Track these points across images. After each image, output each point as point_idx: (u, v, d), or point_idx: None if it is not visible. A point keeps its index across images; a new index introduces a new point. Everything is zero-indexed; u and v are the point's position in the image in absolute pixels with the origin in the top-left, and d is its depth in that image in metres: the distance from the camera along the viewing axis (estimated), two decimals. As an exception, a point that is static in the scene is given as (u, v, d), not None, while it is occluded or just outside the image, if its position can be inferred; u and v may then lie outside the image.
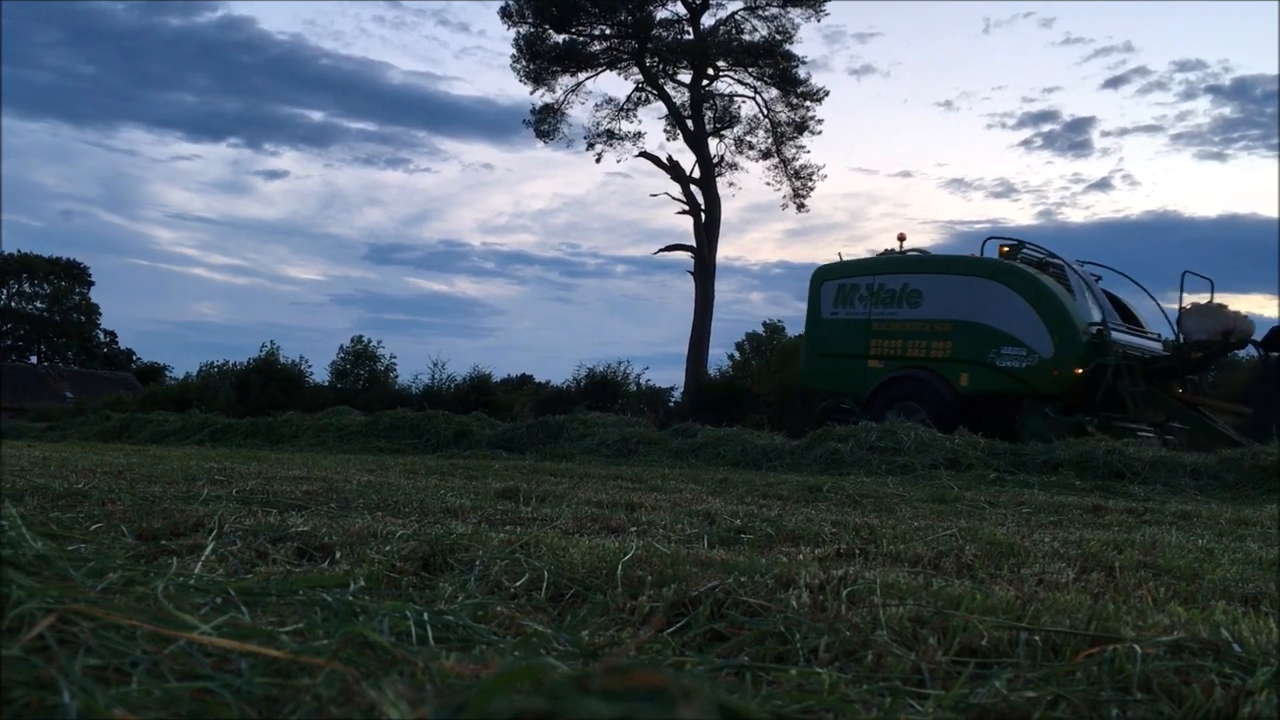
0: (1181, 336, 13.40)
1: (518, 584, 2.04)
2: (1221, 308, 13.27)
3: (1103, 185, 57.68)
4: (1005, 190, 61.71)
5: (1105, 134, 65.06)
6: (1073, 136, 61.21)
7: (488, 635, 1.49)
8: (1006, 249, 14.50)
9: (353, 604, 1.48)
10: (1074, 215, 57.19)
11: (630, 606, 1.88)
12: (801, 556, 2.68)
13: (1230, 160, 55.62)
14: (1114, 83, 64.34)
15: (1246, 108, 58.75)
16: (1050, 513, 5.08)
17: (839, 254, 16.47)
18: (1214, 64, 63.37)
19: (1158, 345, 14.40)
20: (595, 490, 5.36)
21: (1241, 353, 14.73)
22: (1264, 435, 9.57)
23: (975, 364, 13.63)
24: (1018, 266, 13.88)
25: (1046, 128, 70.21)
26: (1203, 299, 13.49)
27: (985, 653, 1.61)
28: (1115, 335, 13.39)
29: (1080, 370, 12.94)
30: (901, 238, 15.78)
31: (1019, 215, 63.85)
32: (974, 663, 1.54)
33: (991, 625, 1.72)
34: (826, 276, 15.53)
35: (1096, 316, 13.66)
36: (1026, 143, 67.05)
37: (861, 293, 14.94)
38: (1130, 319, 14.59)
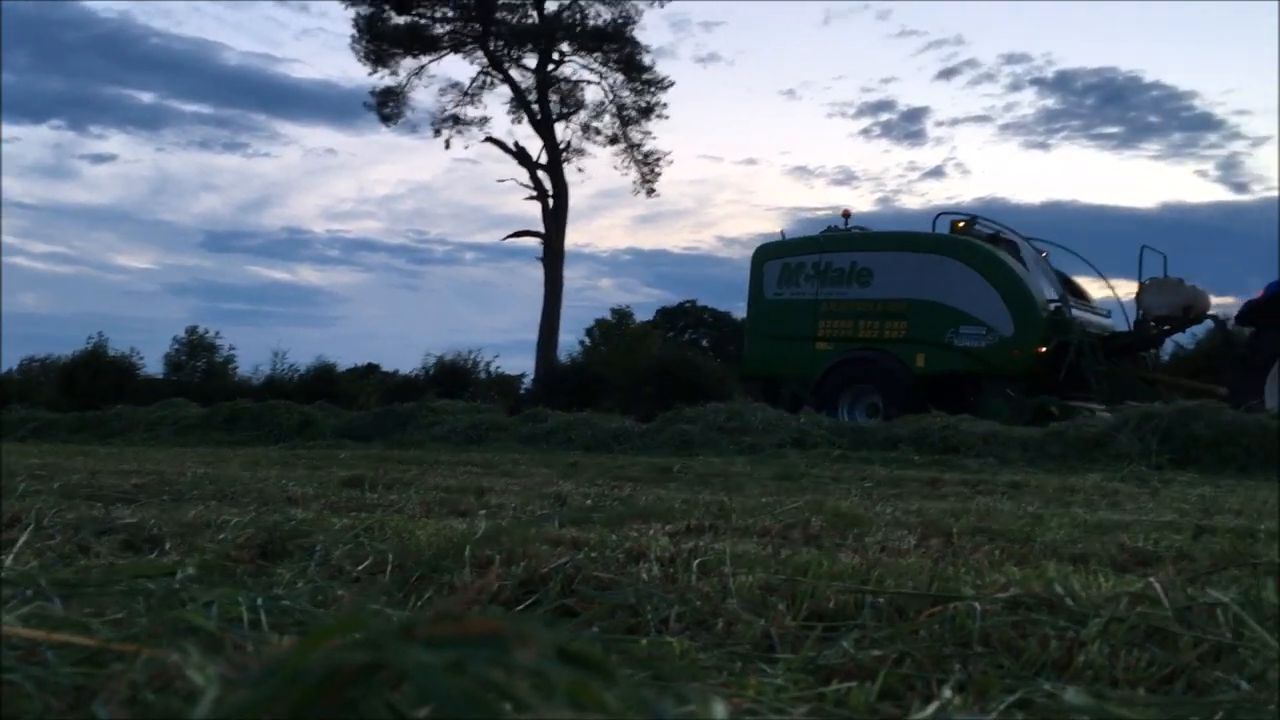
0: (1141, 312, 13.08)
1: (361, 568, 1.97)
2: (1180, 282, 12.95)
3: (937, 173, 59.90)
4: (846, 177, 63.46)
5: (939, 124, 67.54)
6: (908, 126, 63.43)
7: (326, 618, 1.43)
8: (961, 224, 13.97)
9: (179, 592, 1.39)
10: (910, 202, 59.21)
11: (478, 586, 1.83)
12: (652, 532, 2.68)
13: (1053, 149, 58.50)
14: (946, 74, 66.87)
15: (1068, 99, 61.87)
16: (891, 486, 5.23)
17: (781, 231, 15.74)
18: (1038, 57, 66.44)
19: (1109, 322, 14.08)
20: (444, 476, 5.27)
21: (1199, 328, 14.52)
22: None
23: (932, 344, 13.16)
24: (975, 242, 13.42)
25: (884, 117, 72.52)
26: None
27: (833, 616, 1.62)
28: (1075, 312, 13.03)
29: (1043, 349, 12.60)
30: (846, 214, 15.00)
31: (859, 202, 65.82)
32: (822, 626, 1.55)
33: (838, 590, 1.74)
34: (769, 255, 14.81)
35: (1052, 294, 13.29)
36: (865, 131, 69.08)
37: (808, 271, 14.26)
38: (1080, 295, 14.17)
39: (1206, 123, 57.13)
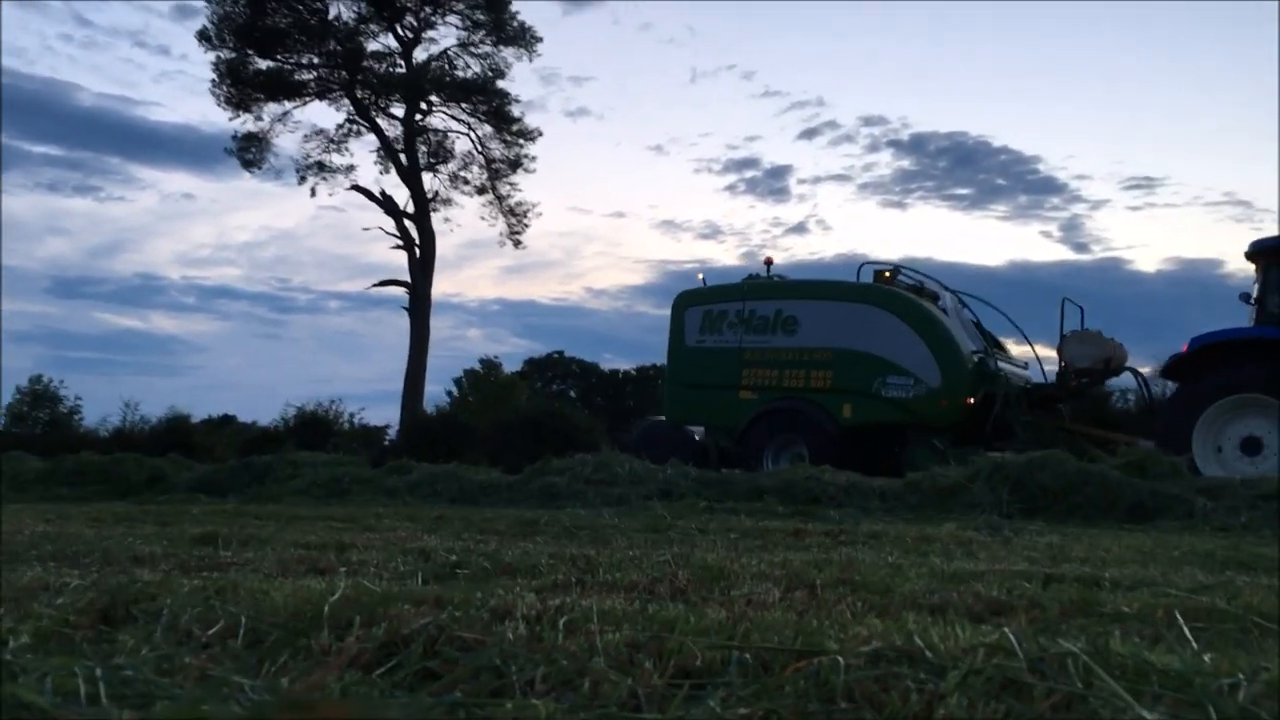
0: (1063, 364, 13.10)
1: (211, 632, 1.88)
2: (1099, 334, 13.12)
3: (800, 229, 61.44)
4: (712, 232, 64.61)
5: (801, 181, 69.40)
6: (773, 183, 64.93)
7: (171, 689, 1.35)
8: (886, 274, 13.80)
9: (11, 663, 1.31)
10: (775, 257, 60.53)
11: (337, 649, 1.77)
12: (518, 589, 2.64)
13: (909, 208, 60.71)
14: (808, 134, 68.77)
15: (922, 161, 64.35)
16: (756, 537, 5.28)
17: (701, 278, 15.40)
18: (895, 120, 69.04)
19: (1027, 373, 14.11)
20: (304, 532, 5.11)
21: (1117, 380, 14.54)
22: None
23: (859, 394, 13.04)
24: (900, 292, 13.31)
25: (749, 174, 74.15)
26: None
27: (700, 673, 1.62)
28: (999, 364, 13.07)
29: (971, 400, 12.59)
30: (769, 262, 14.84)
31: (725, 256, 66.98)
32: (689, 684, 1.55)
33: (705, 645, 1.73)
34: (691, 302, 14.56)
35: (975, 345, 13.29)
36: (731, 187, 70.55)
37: (730, 319, 14.05)
38: (999, 347, 14.22)
39: (1050, 186, 60.09)
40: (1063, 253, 60.28)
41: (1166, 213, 57.32)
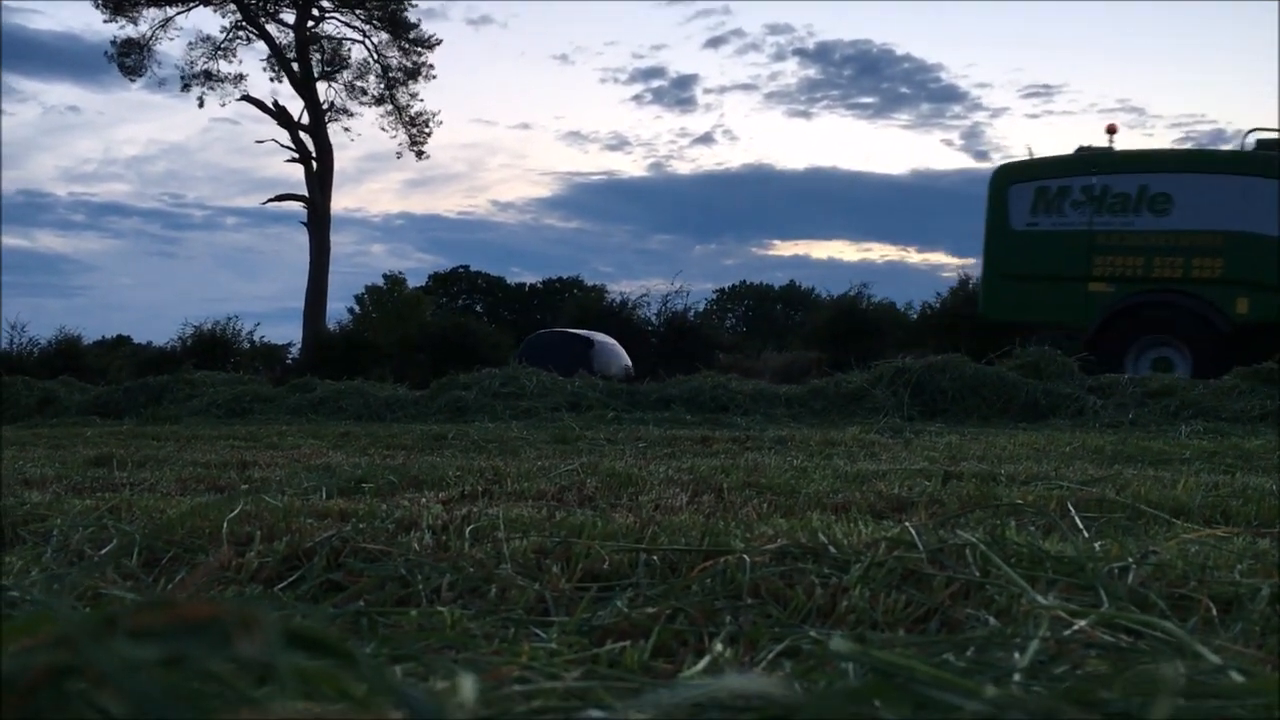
0: None
1: (104, 551, 1.83)
2: None
3: (706, 139, 61.27)
4: (619, 143, 64.20)
5: (708, 91, 68.93)
6: (679, 93, 64.59)
7: (61, 611, 1.31)
8: None
9: (-115, 589, 1.25)
10: (682, 167, 60.40)
11: (237, 565, 1.73)
12: (425, 501, 2.61)
13: (815, 118, 60.81)
14: (714, 43, 68.43)
15: (828, 70, 64.42)
16: (664, 445, 5.32)
17: (1029, 149, 13.11)
18: (800, 28, 68.81)
19: None
20: (204, 452, 4.99)
21: None
22: None
23: (1259, 286, 10.90)
24: None
25: (655, 83, 73.49)
26: None
27: (608, 576, 1.62)
28: None
29: None
30: (1112, 129, 12.39)
31: (632, 167, 66.63)
32: (596, 587, 1.55)
33: (613, 549, 1.74)
34: (1017, 177, 12.29)
35: None
36: (638, 97, 70.02)
37: (1075, 197, 11.83)
38: None
39: (951, 94, 60.84)
40: (963, 160, 61.19)
41: (1063, 120, 58.42)
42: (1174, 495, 2.68)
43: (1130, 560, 1.51)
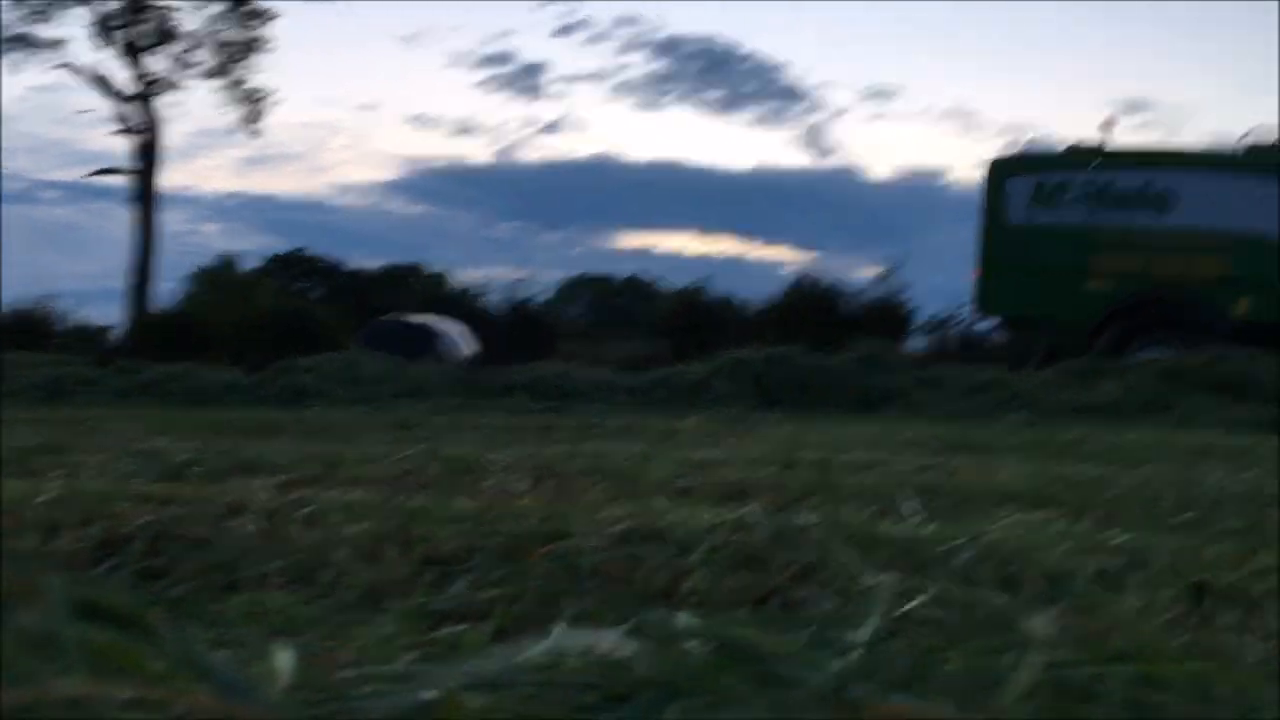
0: None
1: (-106, 539, 1.68)
2: None
3: (553, 128, 61.01)
4: (466, 128, 63.28)
5: (556, 79, 68.69)
6: (527, 80, 64.07)
7: None
8: None
9: None
10: (529, 155, 59.87)
11: (46, 552, 1.62)
12: (256, 486, 2.51)
13: (663, 110, 61.34)
14: (564, 31, 68.11)
15: (676, 63, 65.09)
16: (507, 432, 5.28)
17: (1023, 142, 12.75)
18: (649, 21, 69.23)
19: None
20: (16, 437, 4.69)
21: None
22: None
23: (1261, 287, 10.74)
24: None
25: (502, 70, 72.79)
26: None
27: (447, 560, 1.58)
28: None
29: None
30: (1110, 120, 12.60)
31: (479, 153, 65.81)
32: (436, 571, 1.51)
33: (453, 534, 1.70)
34: (1015, 170, 11.91)
35: None
36: (484, 83, 69.04)
37: (1075, 192, 11.58)
38: None
39: (794, 93, 62.26)
40: (805, 158, 62.75)
41: (902, 122, 60.51)
42: (1000, 481, 2.79)
43: (961, 541, 1.55)
